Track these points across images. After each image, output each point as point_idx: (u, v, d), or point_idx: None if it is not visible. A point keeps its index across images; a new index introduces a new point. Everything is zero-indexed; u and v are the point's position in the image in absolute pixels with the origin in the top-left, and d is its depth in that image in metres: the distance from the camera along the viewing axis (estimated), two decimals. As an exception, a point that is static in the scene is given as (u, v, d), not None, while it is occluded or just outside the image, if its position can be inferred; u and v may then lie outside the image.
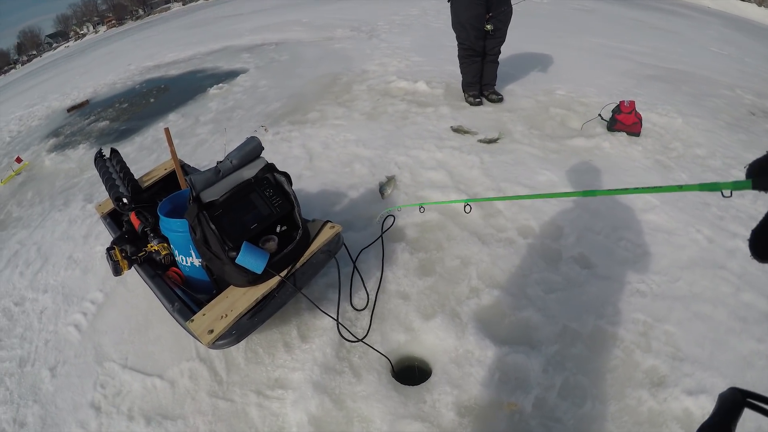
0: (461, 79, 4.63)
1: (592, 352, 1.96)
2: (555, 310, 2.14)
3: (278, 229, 1.99)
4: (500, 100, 4.54)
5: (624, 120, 3.72)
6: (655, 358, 1.91)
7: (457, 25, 4.25)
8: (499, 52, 4.39)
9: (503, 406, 1.77)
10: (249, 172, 1.95)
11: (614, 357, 1.93)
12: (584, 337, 2.02)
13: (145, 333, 2.42)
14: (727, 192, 0.73)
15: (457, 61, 4.53)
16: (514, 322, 2.10)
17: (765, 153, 0.51)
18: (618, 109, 3.76)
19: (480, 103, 4.54)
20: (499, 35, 4.22)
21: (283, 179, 2.00)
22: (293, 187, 2.03)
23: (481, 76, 4.52)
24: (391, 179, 3.20)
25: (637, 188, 0.99)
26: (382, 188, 3.14)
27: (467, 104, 4.58)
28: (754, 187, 0.56)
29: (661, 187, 0.93)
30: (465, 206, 1.69)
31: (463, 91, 4.70)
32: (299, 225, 1.98)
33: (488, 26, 4.08)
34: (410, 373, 2.01)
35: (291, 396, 1.90)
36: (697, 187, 0.79)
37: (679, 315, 2.10)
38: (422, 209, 2.35)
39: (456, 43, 4.38)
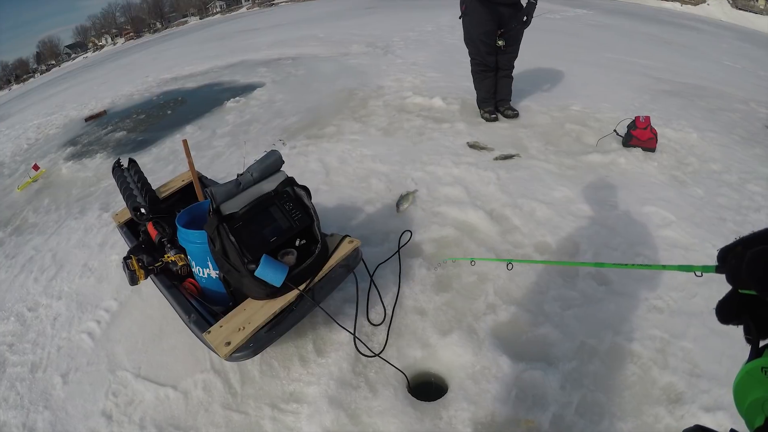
0: (476, 95, 4.63)
1: (610, 368, 1.94)
2: (572, 327, 2.12)
3: (297, 243, 1.99)
4: (516, 115, 4.52)
5: (639, 135, 3.70)
6: (672, 374, 1.88)
7: (468, 40, 4.27)
8: (513, 67, 4.39)
9: (520, 423, 1.75)
10: (269, 185, 1.96)
11: (631, 374, 1.91)
12: (601, 354, 1.99)
13: (159, 343, 2.42)
14: (699, 273, 0.91)
15: (472, 77, 4.55)
16: (532, 339, 2.08)
17: (734, 240, 0.58)
18: (633, 125, 3.74)
19: (496, 119, 4.52)
20: (512, 51, 4.24)
21: (302, 193, 2.00)
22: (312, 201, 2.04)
23: (495, 91, 4.50)
24: (410, 194, 3.20)
25: (634, 264, 1.19)
26: (399, 202, 3.14)
27: (483, 120, 4.57)
28: (717, 272, 0.64)
29: (649, 265, 1.17)
30: (507, 265, 1.74)
31: (479, 107, 4.67)
32: (318, 239, 1.99)
33: (500, 42, 4.10)
34: (427, 388, 1.99)
35: (306, 410, 1.88)
36: (676, 267, 1.00)
37: (696, 331, 2.07)
38: (473, 263, 2.36)
39: (469, 58, 4.41)
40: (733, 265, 0.56)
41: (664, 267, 1.06)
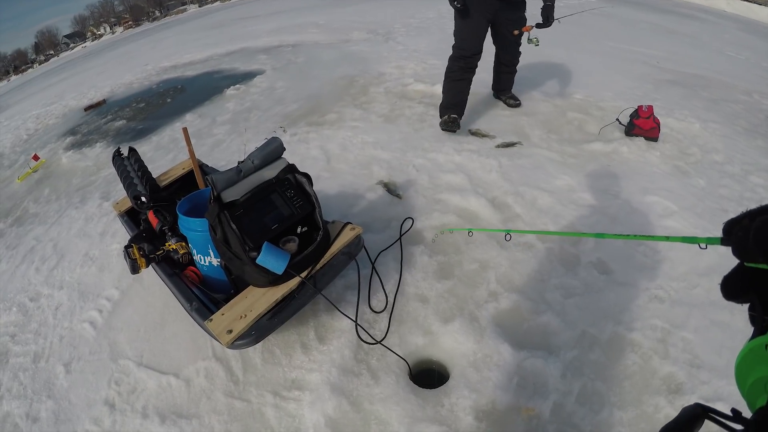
0: (441, 98, 3.96)
1: (610, 358, 1.94)
2: (573, 316, 2.12)
3: (299, 230, 1.99)
4: (518, 105, 4.45)
5: (642, 125, 3.68)
6: (673, 365, 1.89)
7: (458, 27, 3.71)
8: (516, 63, 4.20)
9: (521, 411, 1.76)
10: (270, 172, 1.95)
11: (632, 363, 1.91)
12: (602, 343, 2.00)
13: (160, 331, 2.43)
14: (703, 245, 0.87)
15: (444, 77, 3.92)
16: (533, 327, 2.09)
17: (740, 213, 0.57)
18: (636, 114, 3.72)
19: (453, 131, 3.84)
20: (511, 47, 3.98)
21: (304, 180, 2.00)
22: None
23: (464, 99, 3.88)
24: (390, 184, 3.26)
25: (636, 235, 1.14)
26: (390, 190, 3.18)
27: (443, 129, 3.91)
28: (722, 244, 0.63)
29: (652, 236, 1.10)
30: (506, 236, 1.73)
31: (440, 113, 3.97)
32: (320, 226, 1.98)
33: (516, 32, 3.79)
34: (428, 376, 2.00)
35: (308, 397, 1.89)
36: (680, 239, 0.96)
37: (696, 322, 2.07)
38: (470, 234, 2.37)
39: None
40: (739, 237, 0.55)
41: (667, 238, 1.03)
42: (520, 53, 4.13)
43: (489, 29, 3.79)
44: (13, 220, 4.60)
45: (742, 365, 0.55)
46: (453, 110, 3.87)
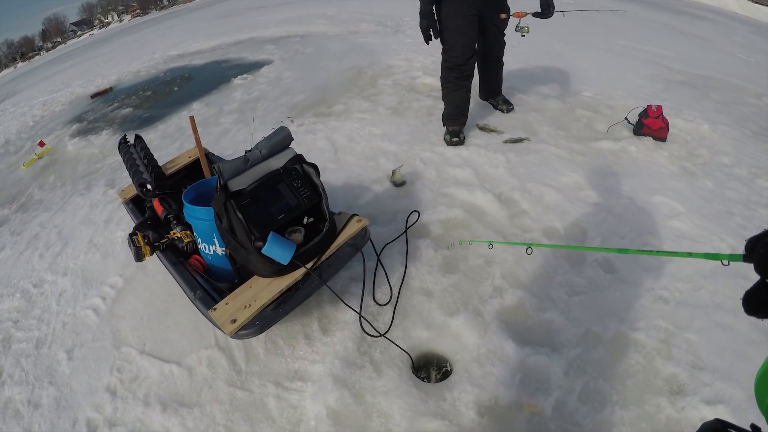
0: (444, 108, 3.72)
1: (614, 357, 1.93)
2: (578, 313, 2.11)
3: (305, 221, 1.98)
4: (511, 110, 4.15)
5: (651, 124, 3.66)
6: (676, 366, 1.87)
7: (444, 34, 3.33)
8: (502, 55, 3.84)
9: (523, 407, 1.76)
10: (277, 162, 1.94)
11: (635, 363, 1.90)
12: (606, 342, 1.99)
13: (164, 319, 2.43)
14: (725, 262, 0.90)
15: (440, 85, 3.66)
16: (537, 324, 2.08)
17: (763, 231, 0.59)
18: (645, 114, 3.69)
19: (460, 143, 3.62)
20: (498, 39, 3.67)
21: (311, 170, 1.99)
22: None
23: (468, 106, 3.63)
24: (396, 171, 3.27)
25: (658, 251, 1.20)
26: (393, 180, 3.19)
27: (445, 142, 3.70)
28: (745, 261, 0.66)
29: (676, 252, 1.12)
30: (527, 249, 1.72)
31: (443, 123, 3.76)
32: (326, 217, 1.98)
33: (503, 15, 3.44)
34: (431, 370, 2.00)
35: (310, 388, 1.89)
36: (702, 255, 0.98)
37: (700, 324, 2.06)
38: (491, 246, 2.31)
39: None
40: (761, 254, 0.56)
41: (690, 254, 1.04)
42: (504, 44, 3.77)
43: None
44: (18, 206, 4.61)
45: (762, 382, 0.55)
46: (455, 121, 3.66)
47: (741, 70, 6.92)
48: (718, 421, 0.62)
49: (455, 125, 3.66)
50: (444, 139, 3.70)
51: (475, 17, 3.29)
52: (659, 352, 1.93)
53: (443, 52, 3.44)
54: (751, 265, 0.60)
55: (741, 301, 0.63)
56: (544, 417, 1.72)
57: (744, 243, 0.66)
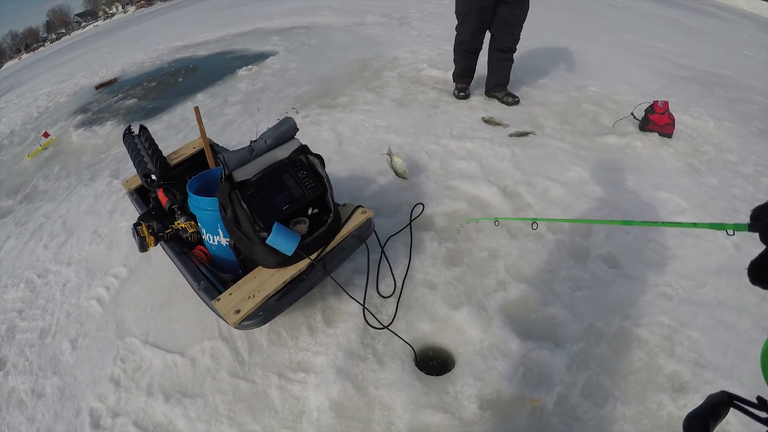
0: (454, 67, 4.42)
1: (616, 352, 1.93)
2: (581, 308, 2.11)
3: (310, 212, 1.98)
4: (516, 102, 4.24)
5: (657, 120, 3.64)
6: (678, 363, 1.87)
7: (458, 14, 3.96)
8: (514, 50, 4.01)
9: (525, 401, 1.76)
10: (282, 152, 1.94)
11: (637, 359, 1.91)
12: (609, 337, 1.99)
13: (167, 310, 2.43)
14: (730, 232, 0.90)
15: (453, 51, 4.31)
16: (540, 318, 2.08)
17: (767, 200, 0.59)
18: (651, 109, 3.68)
19: (466, 97, 4.38)
20: (514, 30, 3.85)
21: (316, 161, 1.98)
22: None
23: (474, 70, 4.33)
24: (392, 156, 3.26)
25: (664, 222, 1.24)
26: (394, 168, 3.18)
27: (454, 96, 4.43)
28: (750, 230, 0.66)
29: (680, 222, 1.14)
30: (532, 224, 1.72)
31: (453, 80, 4.53)
32: (331, 208, 1.97)
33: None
34: (433, 362, 2.00)
35: (313, 380, 1.90)
36: (707, 225, 0.98)
37: (703, 321, 2.06)
38: (497, 223, 2.34)
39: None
40: (767, 223, 0.56)
41: (695, 225, 1.04)
42: (519, 38, 3.96)
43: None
44: (22, 196, 4.62)
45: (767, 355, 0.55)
46: (462, 79, 4.39)
47: (748, 68, 6.87)
48: (724, 392, 0.62)
49: (462, 83, 4.41)
50: (453, 93, 4.47)
51: (491, 6, 3.72)
52: (662, 349, 1.93)
53: (456, 28, 4.07)
54: (752, 264, 0.60)
55: (746, 270, 0.63)
56: (546, 411, 1.73)
57: (746, 243, 0.66)
